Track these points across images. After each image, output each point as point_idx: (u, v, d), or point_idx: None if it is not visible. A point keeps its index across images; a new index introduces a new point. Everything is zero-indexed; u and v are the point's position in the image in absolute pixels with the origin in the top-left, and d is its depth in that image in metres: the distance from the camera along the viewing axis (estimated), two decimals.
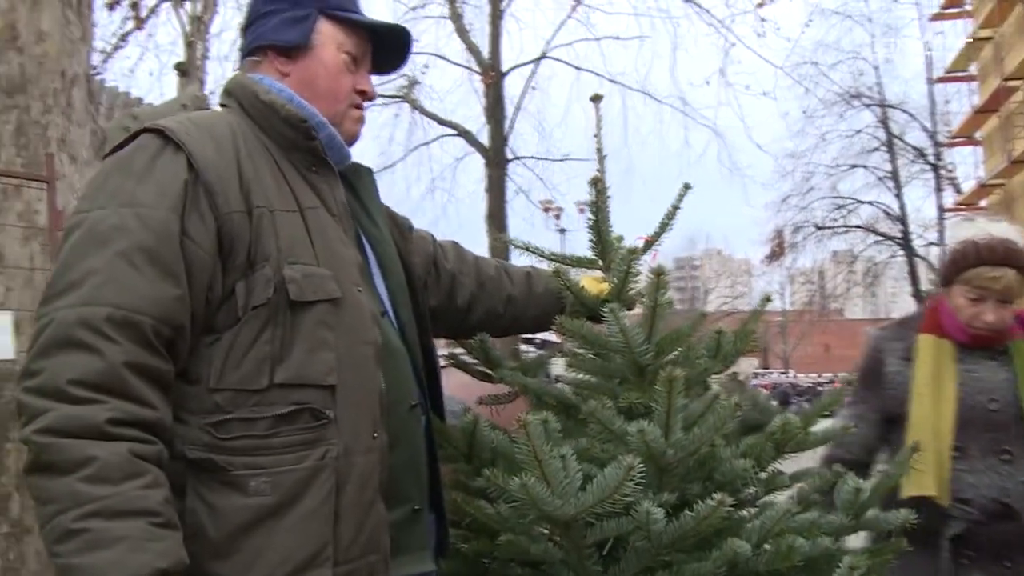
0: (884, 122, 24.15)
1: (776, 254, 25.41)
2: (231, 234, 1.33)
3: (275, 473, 1.30)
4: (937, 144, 24.22)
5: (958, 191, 26.13)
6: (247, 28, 1.60)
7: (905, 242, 23.92)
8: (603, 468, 1.43)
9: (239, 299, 1.33)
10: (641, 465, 1.40)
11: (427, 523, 1.60)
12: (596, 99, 2.04)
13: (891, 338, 2.40)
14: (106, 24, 10.10)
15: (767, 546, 1.60)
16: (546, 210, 18.37)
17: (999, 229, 2.20)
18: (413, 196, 18.88)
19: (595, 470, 1.46)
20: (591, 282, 1.93)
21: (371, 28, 1.61)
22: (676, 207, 2.00)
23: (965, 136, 27.60)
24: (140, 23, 10.08)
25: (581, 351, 1.87)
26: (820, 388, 27.07)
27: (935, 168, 23.88)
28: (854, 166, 24.38)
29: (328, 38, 1.56)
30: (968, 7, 27.07)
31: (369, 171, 1.70)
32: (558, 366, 2.02)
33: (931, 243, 23.86)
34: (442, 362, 1.88)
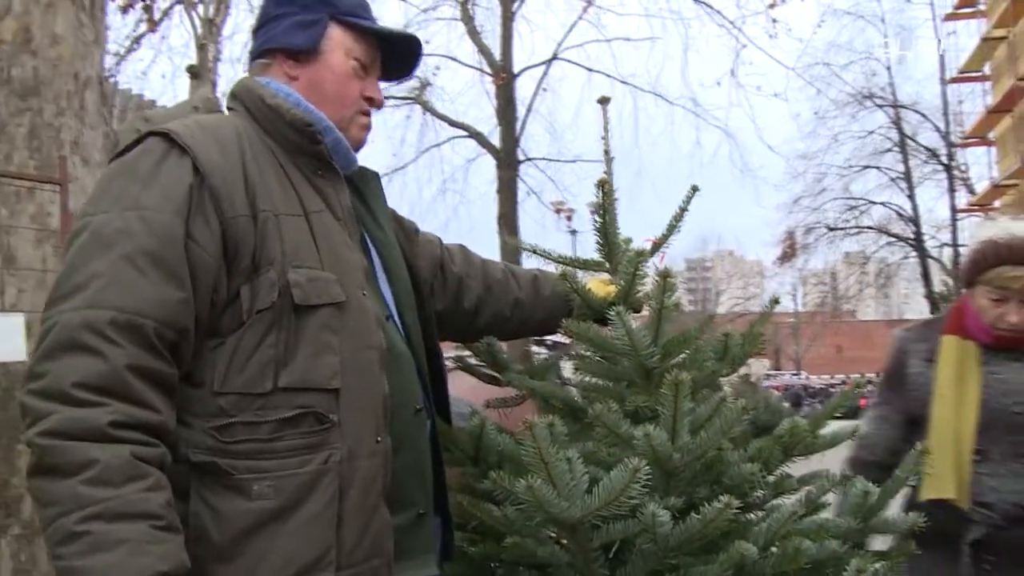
0: (897, 123, 24.03)
1: (788, 255, 25.33)
2: (236, 238, 1.34)
3: (278, 477, 1.30)
4: (950, 144, 24.09)
5: (971, 192, 25.97)
6: (257, 30, 1.60)
7: (918, 243, 23.79)
8: (609, 471, 1.43)
9: (243, 303, 1.33)
10: (647, 468, 1.40)
11: (432, 527, 1.60)
12: (603, 101, 2.04)
13: (915, 339, 2.37)
14: (119, 27, 10.17)
15: (774, 549, 1.60)
16: (558, 211, 18.36)
17: (1021, 228, 2.17)
18: (425, 198, 18.99)
19: (602, 473, 1.45)
20: (598, 285, 1.92)
21: (381, 35, 1.61)
22: (684, 209, 1.99)
23: (979, 136, 27.47)
24: (153, 26, 10.14)
25: (588, 354, 1.88)
26: (832, 390, 26.96)
27: (948, 169, 23.75)
28: (866, 167, 24.28)
29: (337, 43, 1.56)
30: (982, 7, 26.93)
31: (375, 175, 1.70)
32: (569, 368, 2.02)
33: (944, 244, 23.78)
34: (449, 365, 1.88)
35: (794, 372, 45.42)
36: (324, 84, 1.55)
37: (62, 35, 3.73)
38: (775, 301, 2.06)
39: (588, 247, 2.00)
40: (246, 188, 1.37)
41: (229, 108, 1.52)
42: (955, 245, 22.71)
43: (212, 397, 1.31)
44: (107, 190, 1.34)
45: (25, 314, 3.19)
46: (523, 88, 15.01)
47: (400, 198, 15.97)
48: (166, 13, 10.12)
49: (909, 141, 24.00)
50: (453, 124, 15.08)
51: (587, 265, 1.99)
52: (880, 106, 24.02)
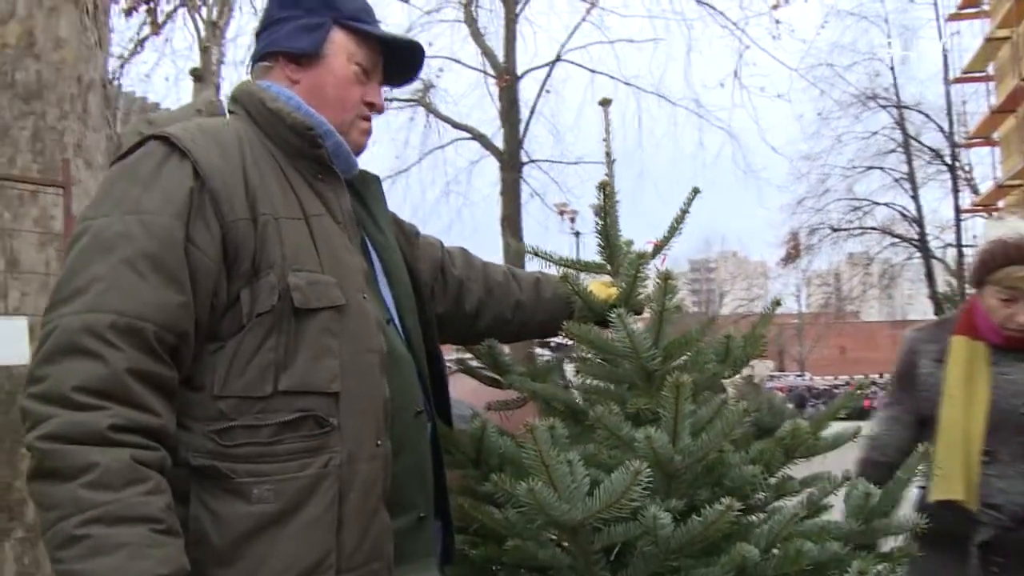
0: (900, 123, 24.03)
1: (792, 256, 25.32)
2: (236, 241, 1.34)
3: (278, 480, 1.30)
4: (954, 145, 24.06)
5: (975, 192, 25.94)
6: (260, 33, 1.60)
7: (922, 244, 23.77)
8: (611, 474, 1.43)
9: (244, 306, 1.33)
10: (648, 470, 1.40)
11: (433, 530, 1.60)
12: (605, 103, 2.04)
13: (926, 339, 2.36)
14: (123, 30, 10.21)
15: (776, 551, 1.59)
16: (561, 213, 18.38)
17: None
18: (428, 199, 18.98)
19: (603, 475, 1.45)
20: (599, 287, 1.92)
21: (384, 40, 1.61)
22: (685, 211, 1.99)
23: (982, 137, 27.41)
24: (157, 29, 10.17)
25: (589, 356, 1.88)
26: (836, 391, 26.94)
27: (952, 169, 23.73)
28: (870, 168, 24.29)
29: (340, 48, 1.56)
30: (985, 7, 26.88)
31: (376, 179, 1.70)
32: (572, 370, 2.02)
33: (948, 245, 23.75)
34: (451, 368, 1.88)
35: (798, 373, 45.38)
36: (325, 88, 1.55)
37: (65, 39, 3.74)
38: (776, 303, 2.05)
39: (592, 249, 2.00)
40: (246, 191, 1.37)
41: (230, 111, 1.52)
42: (959, 246, 22.70)
43: (212, 401, 1.31)
44: (107, 193, 1.34)
45: (28, 317, 3.19)
46: (526, 90, 15.07)
47: (404, 200, 16.03)
48: (170, 16, 10.15)
49: (913, 142, 23.99)
50: (456, 126, 15.11)
51: (588, 267, 1.99)
52: (884, 107, 24.04)
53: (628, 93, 15.29)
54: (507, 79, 14.38)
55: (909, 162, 23.93)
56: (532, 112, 14.79)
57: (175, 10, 10.00)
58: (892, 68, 23.92)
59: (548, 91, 15.19)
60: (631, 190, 16.06)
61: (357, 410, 1.39)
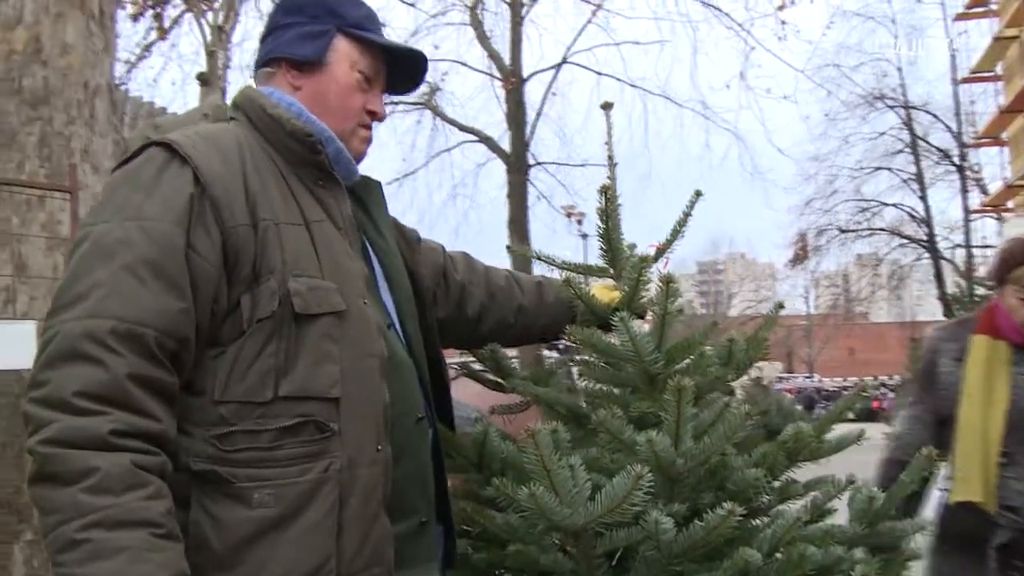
0: (908, 124, 23.94)
1: (800, 258, 25.27)
2: (236, 247, 1.34)
3: (279, 485, 1.30)
4: (962, 145, 23.97)
5: (984, 192, 25.82)
6: (265, 39, 1.60)
7: (930, 245, 23.67)
8: (613, 478, 1.43)
9: (244, 312, 1.34)
10: (650, 475, 1.40)
11: (434, 535, 1.60)
12: (606, 107, 2.04)
13: (947, 338, 2.34)
14: (130, 35, 10.27)
15: (779, 555, 1.59)
16: (568, 216, 18.37)
17: None
18: (435, 203, 19.02)
19: (605, 480, 1.46)
20: (602, 291, 1.92)
21: (387, 49, 1.61)
22: (687, 214, 1.99)
23: (991, 136, 27.30)
24: (163, 33, 10.21)
25: (593, 360, 1.88)
26: (846, 392, 26.79)
27: (960, 169, 23.63)
28: (878, 168, 24.20)
29: (343, 55, 1.56)
30: (993, 6, 26.78)
31: (378, 184, 1.70)
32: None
33: (957, 245, 23.65)
34: (454, 372, 1.89)
35: (807, 375, 45.26)
36: (327, 95, 1.55)
37: (72, 44, 3.76)
38: (779, 306, 2.05)
39: (599, 251, 2.00)
40: (247, 197, 1.37)
41: (231, 117, 1.52)
42: (968, 246, 22.62)
43: (213, 406, 1.31)
44: (109, 200, 1.35)
45: (36, 322, 3.21)
46: (532, 92, 15.03)
47: (410, 203, 16.04)
48: (176, 21, 10.19)
49: (921, 142, 23.90)
50: (463, 129, 15.11)
51: (591, 271, 2.00)
52: (891, 107, 23.95)
53: (634, 95, 15.31)
54: (513, 82, 14.38)
55: (917, 163, 23.84)
56: (538, 114, 14.79)
57: (181, 15, 10.04)
58: (899, 68, 23.85)
59: (554, 93, 15.19)
60: (637, 192, 16.10)
61: (357, 415, 1.39)
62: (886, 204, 24.28)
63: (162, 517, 1.20)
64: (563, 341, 2.06)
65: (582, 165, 15.27)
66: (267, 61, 1.58)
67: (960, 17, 26.28)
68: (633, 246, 1.97)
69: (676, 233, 2.00)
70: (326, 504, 1.33)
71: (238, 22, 8.72)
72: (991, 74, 27.77)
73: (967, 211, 23.36)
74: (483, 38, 14.68)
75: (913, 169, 23.92)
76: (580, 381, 1.93)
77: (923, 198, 23.68)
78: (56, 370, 1.21)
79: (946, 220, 24.93)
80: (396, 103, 13.59)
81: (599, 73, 15.22)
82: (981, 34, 27.70)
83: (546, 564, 1.58)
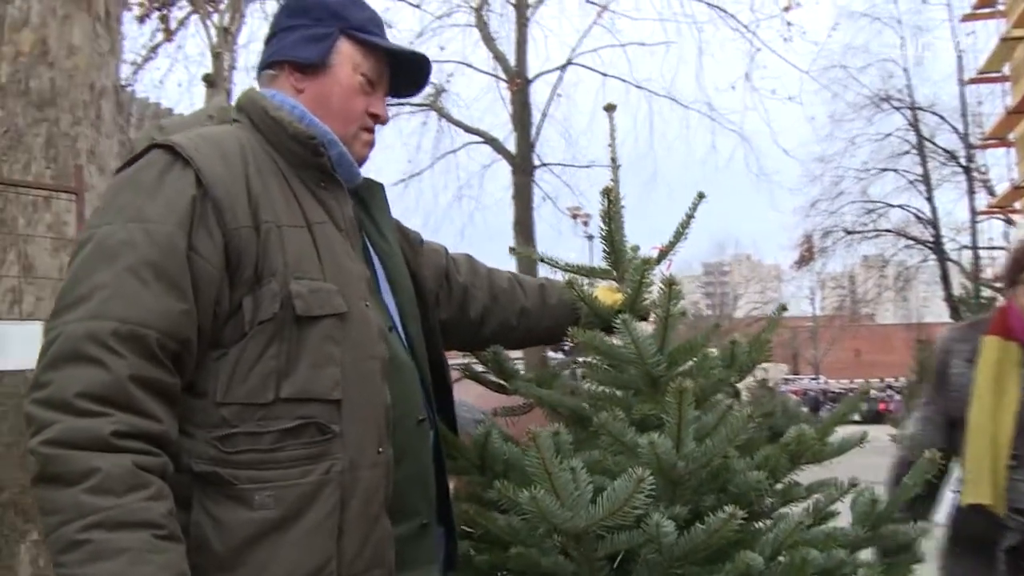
0: (915, 125, 23.91)
1: (806, 259, 25.25)
2: (238, 249, 1.34)
3: (280, 487, 1.31)
4: (969, 146, 23.91)
5: (991, 194, 25.74)
6: (269, 41, 1.61)
7: (937, 246, 23.62)
8: (615, 480, 1.43)
9: (246, 314, 1.34)
10: (652, 477, 1.40)
11: (435, 537, 1.60)
12: (610, 108, 2.04)
13: (959, 339, 2.32)
14: (136, 36, 10.28)
15: (781, 558, 1.59)
16: (574, 217, 18.36)
17: None
18: (441, 204, 19.02)
19: (607, 482, 1.45)
20: (605, 293, 1.92)
21: (391, 52, 1.61)
22: (690, 216, 1.99)
23: (998, 138, 27.17)
24: (169, 35, 10.25)
25: (596, 362, 1.88)
26: (851, 394, 26.73)
27: (967, 171, 23.57)
28: (884, 170, 24.19)
29: (346, 58, 1.56)
30: (1001, 7, 26.67)
31: (380, 186, 1.71)
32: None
33: (963, 247, 23.59)
34: (457, 374, 1.89)
35: (812, 376, 45.15)
36: (330, 98, 1.55)
37: (78, 46, 3.77)
38: (782, 308, 2.05)
39: (602, 253, 2.00)
40: (249, 200, 1.37)
41: (234, 120, 1.53)
42: (975, 248, 22.55)
43: (214, 407, 1.32)
44: (112, 202, 1.35)
45: (43, 323, 3.21)
46: (538, 94, 15.05)
47: (416, 204, 16.05)
48: (182, 23, 10.24)
49: (927, 143, 23.87)
50: (468, 130, 15.12)
51: (594, 273, 2.00)
52: (897, 108, 23.94)
53: (640, 96, 15.37)
54: (519, 83, 14.38)
55: (924, 164, 23.81)
56: (544, 116, 14.80)
57: (187, 17, 10.08)
58: (906, 69, 23.85)
59: (560, 95, 15.24)
60: (643, 194, 16.08)
61: (359, 417, 1.39)
62: (892, 205, 24.28)
63: (163, 518, 1.21)
64: (569, 343, 2.06)
65: (588, 166, 15.27)
66: (270, 63, 1.59)
67: (967, 18, 26.20)
68: (636, 248, 1.97)
69: (679, 235, 2.00)
70: (327, 506, 1.33)
71: (244, 24, 8.76)
72: (998, 75, 27.64)
73: (974, 212, 23.30)
74: (488, 39, 14.69)
75: (919, 170, 23.90)
76: (584, 383, 1.93)
77: (929, 199, 23.66)
78: (58, 371, 1.22)
79: (952, 221, 24.94)
80: (402, 104, 13.61)
81: (604, 74, 15.23)
82: (988, 35, 27.60)
83: (547, 567, 1.58)
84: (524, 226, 14.03)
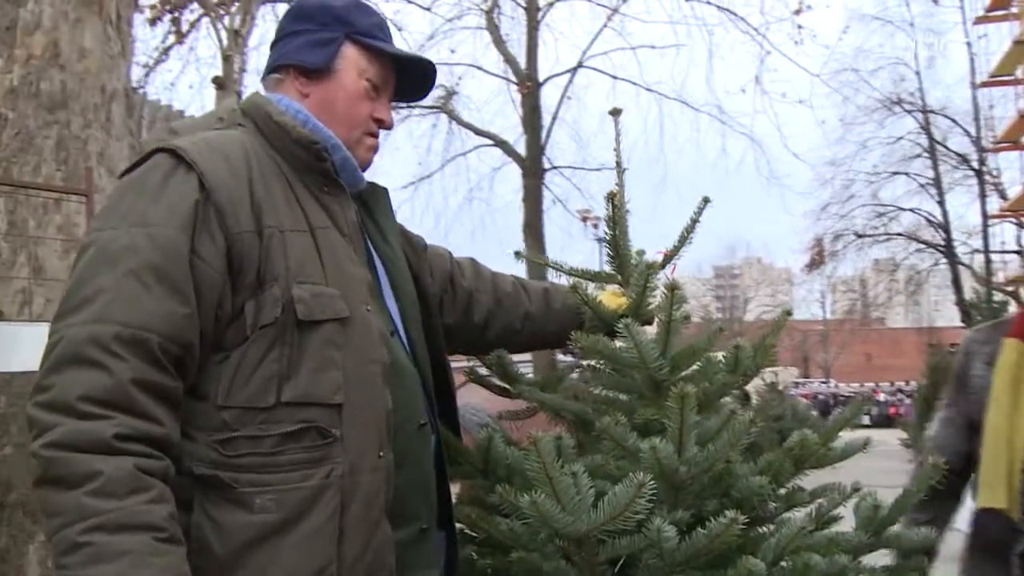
0: (926, 128, 23.81)
1: (816, 263, 25.18)
2: (241, 253, 1.35)
3: (280, 491, 1.31)
4: (981, 149, 23.79)
5: (1003, 197, 25.57)
6: (274, 45, 1.61)
7: (948, 250, 23.52)
8: (617, 485, 1.43)
9: (248, 318, 1.35)
10: (653, 482, 1.40)
11: (436, 541, 1.60)
12: (615, 113, 2.04)
13: (981, 341, 2.29)
14: (148, 39, 10.34)
15: (784, 563, 1.59)
16: (584, 220, 18.36)
17: None
18: (451, 206, 19.09)
19: (609, 487, 1.45)
20: (609, 297, 1.92)
21: (396, 57, 1.62)
22: (695, 220, 1.99)
23: (1011, 141, 27.00)
24: (181, 37, 10.31)
25: (600, 366, 1.88)
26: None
27: (979, 174, 23.46)
28: (895, 173, 24.11)
29: (351, 63, 1.57)
30: (1014, 9, 26.48)
31: (385, 191, 1.71)
32: None
33: (975, 251, 23.48)
34: (462, 378, 1.89)
35: (823, 380, 45.01)
36: (335, 103, 1.56)
37: (89, 49, 3.80)
38: (787, 313, 2.04)
39: (606, 257, 1.99)
40: (251, 204, 1.38)
41: (239, 124, 1.53)
42: (986, 251, 22.44)
43: (216, 411, 1.32)
44: (115, 206, 1.36)
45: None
46: (548, 96, 15.11)
47: (426, 207, 16.11)
48: (193, 25, 10.29)
49: (939, 146, 23.77)
50: (479, 133, 15.15)
51: (599, 277, 2.00)
52: (909, 111, 23.85)
53: (650, 99, 15.38)
54: (529, 86, 14.40)
55: (935, 167, 23.71)
56: (554, 118, 14.82)
57: (199, 19, 10.14)
58: (917, 72, 23.76)
59: (570, 97, 15.22)
60: (653, 197, 16.06)
61: (360, 422, 1.40)
62: (903, 209, 24.20)
63: (164, 521, 1.21)
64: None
65: (598, 169, 15.28)
66: (276, 68, 1.59)
67: (980, 20, 26.04)
68: (642, 252, 1.97)
69: (684, 240, 2.00)
70: (327, 510, 1.34)
71: (255, 26, 8.78)
72: (1011, 78, 27.45)
73: (985, 216, 23.18)
74: (499, 42, 14.72)
75: (931, 174, 23.81)
76: (590, 385, 1.93)
77: (941, 203, 23.56)
78: (61, 374, 1.23)
79: (964, 225, 24.82)
80: (412, 107, 13.65)
81: (615, 77, 15.26)
82: (1001, 37, 27.44)
83: (549, 571, 1.58)
84: (534, 229, 14.04)
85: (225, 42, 8.39)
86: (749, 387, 1.92)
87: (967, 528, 2.24)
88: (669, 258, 1.98)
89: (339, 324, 1.40)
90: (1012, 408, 2.10)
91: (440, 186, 18.39)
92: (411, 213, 15.80)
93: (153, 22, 9.99)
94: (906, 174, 24.10)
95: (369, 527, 1.39)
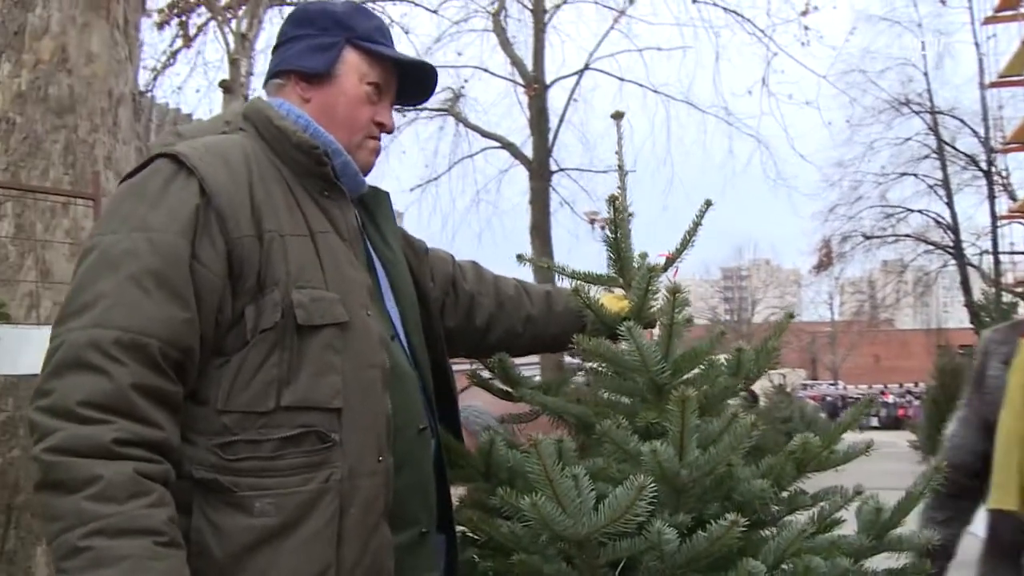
0: (934, 129, 23.74)
1: (824, 264, 25.11)
2: (241, 258, 1.35)
3: (280, 495, 1.32)
4: (990, 150, 23.71)
5: (1012, 198, 25.46)
6: (275, 50, 1.62)
7: (957, 251, 23.44)
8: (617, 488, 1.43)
9: (248, 322, 1.35)
10: (654, 485, 1.40)
11: (436, 544, 1.60)
12: (617, 116, 2.04)
13: (999, 340, 2.27)
14: (156, 42, 10.39)
15: (784, 566, 1.58)
16: (591, 221, 18.35)
17: None
18: (458, 208, 19.07)
19: (610, 490, 1.45)
20: (611, 300, 1.92)
21: (397, 61, 1.62)
22: (697, 224, 1.98)
23: (1019, 142, 26.88)
24: (188, 41, 10.36)
25: (602, 369, 1.88)
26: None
27: (988, 175, 23.38)
28: (903, 174, 24.04)
29: (352, 68, 1.57)
30: (1023, 9, 26.41)
31: (386, 195, 1.71)
32: None
33: (984, 252, 23.38)
34: (465, 381, 1.89)
35: (831, 382, 44.86)
36: (336, 108, 1.56)
37: (97, 53, 3.82)
38: (790, 316, 2.04)
39: (609, 260, 1.99)
40: (252, 209, 1.38)
41: (240, 128, 1.53)
42: (995, 253, 22.35)
43: (215, 415, 1.33)
44: (116, 211, 1.37)
45: None
46: (555, 99, 15.06)
47: (434, 209, 16.12)
48: (201, 29, 10.33)
49: (947, 147, 23.69)
50: (486, 135, 15.16)
51: (600, 280, 2.00)
52: (917, 112, 23.78)
53: (657, 101, 15.38)
54: (536, 88, 14.40)
55: (943, 168, 23.64)
56: (561, 121, 14.81)
57: (206, 23, 10.18)
58: (925, 73, 23.69)
59: (577, 99, 15.22)
60: (660, 198, 16.04)
61: (359, 426, 1.40)
62: (911, 210, 24.13)
63: (164, 525, 1.22)
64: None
65: (605, 171, 15.22)
66: (277, 73, 1.60)
67: (989, 20, 25.92)
68: (644, 255, 1.97)
69: (686, 242, 2.00)
70: (327, 514, 1.34)
71: (262, 30, 8.81)
72: (1020, 78, 27.33)
73: (994, 217, 23.10)
74: (506, 44, 14.73)
75: (939, 175, 23.74)
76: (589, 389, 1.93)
77: (949, 204, 23.48)
78: (61, 379, 1.23)
79: (973, 226, 24.72)
80: (419, 110, 13.67)
81: (622, 79, 15.25)
82: (1010, 38, 27.30)
83: (550, 573, 1.58)
84: (541, 231, 14.05)
85: (232, 46, 8.43)
86: (757, 389, 1.91)
87: (983, 532, 2.23)
88: (671, 261, 1.98)
89: (338, 329, 1.40)
90: None
91: (447, 188, 18.45)
92: (418, 215, 15.85)
93: (161, 26, 10.05)
94: (914, 175, 24.05)
95: (368, 531, 1.39)
